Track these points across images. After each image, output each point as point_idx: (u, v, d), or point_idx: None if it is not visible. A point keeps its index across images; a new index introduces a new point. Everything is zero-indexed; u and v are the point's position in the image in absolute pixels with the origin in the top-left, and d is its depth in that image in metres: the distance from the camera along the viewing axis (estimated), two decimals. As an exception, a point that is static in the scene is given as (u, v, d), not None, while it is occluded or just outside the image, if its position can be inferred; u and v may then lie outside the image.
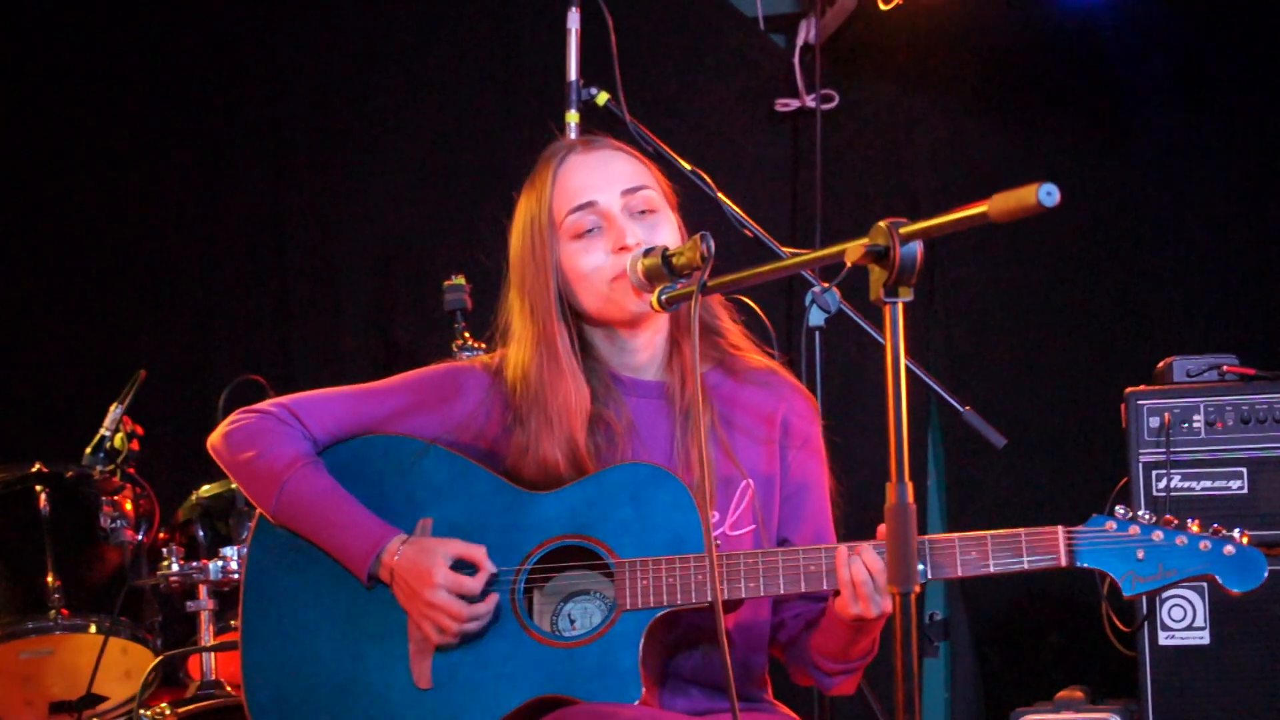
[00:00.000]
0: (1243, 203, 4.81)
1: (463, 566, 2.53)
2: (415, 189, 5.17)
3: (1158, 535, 2.35)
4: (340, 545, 2.58)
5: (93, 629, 3.95)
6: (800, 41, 5.09)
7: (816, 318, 3.32)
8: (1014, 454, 4.37)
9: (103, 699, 4.01)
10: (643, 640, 2.46)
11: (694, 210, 2.81)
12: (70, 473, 4.02)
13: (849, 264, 2.07)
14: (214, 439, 2.70)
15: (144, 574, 4.02)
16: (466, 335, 4.25)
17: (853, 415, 4.69)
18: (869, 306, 2.20)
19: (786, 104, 5.10)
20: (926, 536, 2.38)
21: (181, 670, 4.13)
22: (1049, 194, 1.83)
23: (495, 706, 2.49)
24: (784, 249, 3.73)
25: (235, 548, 3.74)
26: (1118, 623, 3.76)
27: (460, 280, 4.30)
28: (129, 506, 4.02)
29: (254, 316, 5.15)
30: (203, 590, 3.78)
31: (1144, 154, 4.90)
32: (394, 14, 5.20)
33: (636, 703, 2.44)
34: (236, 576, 3.68)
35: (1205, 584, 3.12)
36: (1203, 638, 3.73)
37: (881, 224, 2.01)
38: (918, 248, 2.00)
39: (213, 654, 3.81)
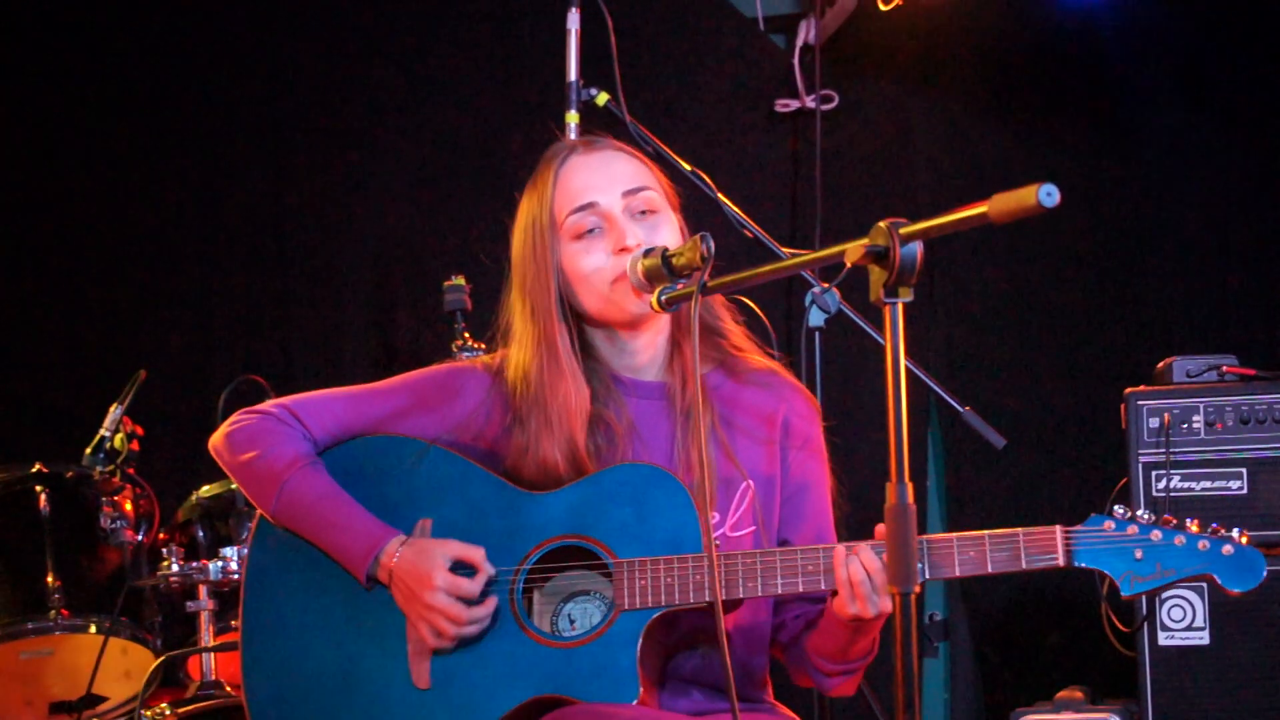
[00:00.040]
0: (1243, 203, 4.81)
1: (461, 568, 2.53)
2: (415, 189, 5.17)
3: (1156, 535, 2.34)
4: (339, 546, 2.59)
5: (93, 629, 3.95)
6: (800, 42, 5.09)
7: (816, 318, 3.32)
8: (1014, 454, 4.38)
9: (103, 699, 4.01)
10: (641, 640, 2.46)
11: (694, 211, 2.81)
12: (70, 473, 4.02)
13: (849, 264, 2.07)
14: (215, 440, 2.71)
15: (144, 574, 4.02)
16: (466, 335, 4.24)
17: (853, 416, 4.69)
18: (869, 307, 2.20)
19: (786, 104, 5.10)
20: (924, 536, 2.38)
21: (181, 671, 4.13)
22: (1049, 194, 1.83)
23: (493, 706, 2.49)
24: (784, 249, 3.73)
25: (235, 548, 3.74)
26: (1117, 623, 3.76)
27: (460, 280, 4.30)
28: (129, 507, 4.01)
29: (254, 316, 5.15)
30: (203, 590, 3.78)
31: (1144, 154, 4.91)
32: (394, 14, 5.20)
33: (634, 703, 2.44)
34: (236, 577, 3.68)
35: (1205, 584, 3.12)
36: (1202, 638, 3.74)
37: (881, 224, 2.01)
38: (918, 248, 2.00)
39: (213, 654, 3.81)
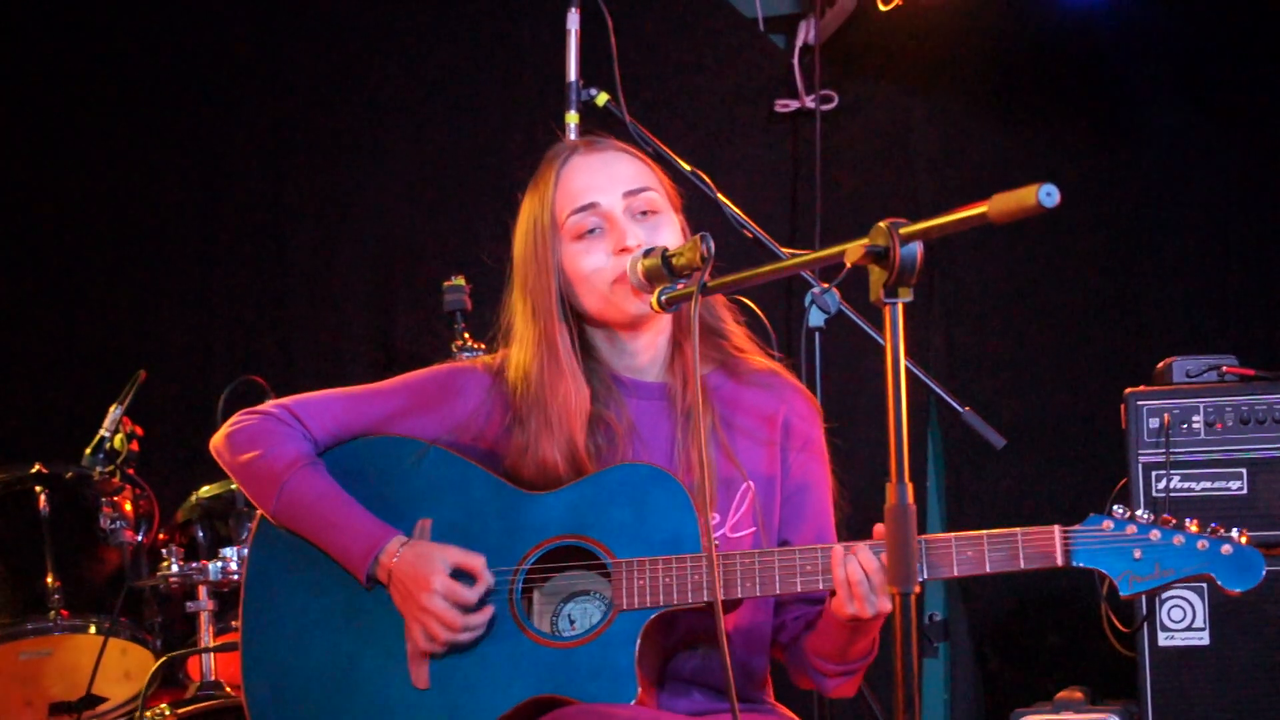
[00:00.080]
0: (1243, 203, 4.81)
1: (461, 576, 2.53)
2: (415, 189, 5.17)
3: (1155, 535, 2.34)
4: (339, 546, 2.59)
5: (92, 630, 3.95)
6: (800, 42, 5.09)
7: (816, 318, 3.32)
8: (1014, 455, 4.37)
9: (102, 700, 4.01)
10: (639, 640, 2.46)
11: (694, 211, 2.81)
12: (70, 473, 4.02)
13: (849, 264, 2.07)
14: (216, 440, 2.71)
15: (144, 575, 4.02)
16: (466, 336, 4.24)
17: (852, 416, 4.69)
18: (869, 307, 2.20)
19: (786, 105, 5.10)
20: (923, 536, 2.37)
21: (181, 671, 4.13)
22: (1049, 195, 1.83)
23: (492, 706, 2.49)
24: (784, 250, 3.73)
25: (235, 548, 3.74)
26: (1117, 623, 3.76)
27: (460, 281, 4.30)
28: (129, 507, 4.02)
29: (254, 316, 5.15)
30: (202, 591, 3.78)
31: (1144, 154, 4.90)
32: (394, 14, 5.20)
33: (633, 702, 2.44)
34: (236, 577, 3.68)
35: (1204, 584, 3.12)
36: (1202, 638, 3.73)
37: (881, 224, 2.01)
38: (918, 248, 2.00)
39: (212, 654, 3.81)
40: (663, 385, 2.69)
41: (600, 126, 3.70)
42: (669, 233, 2.65)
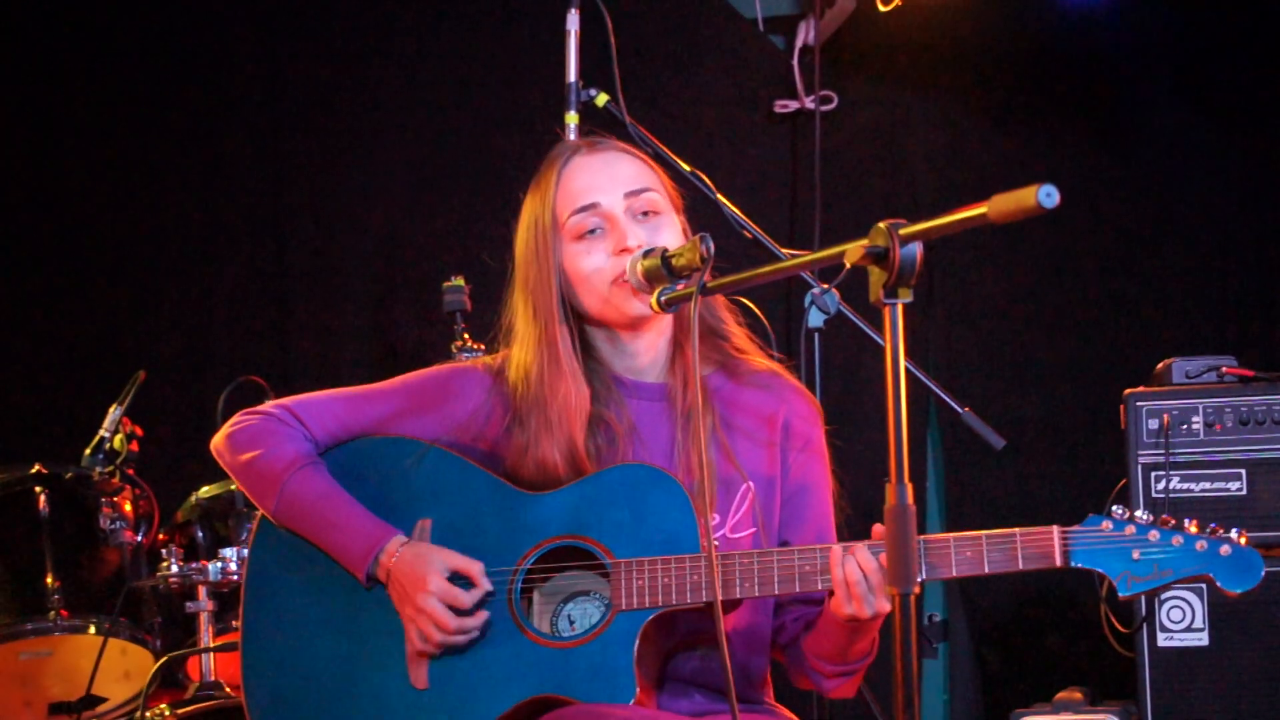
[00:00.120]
0: (1243, 203, 4.82)
1: (459, 580, 2.54)
2: (415, 189, 5.17)
3: (1154, 535, 2.34)
4: (339, 546, 2.59)
5: (92, 630, 3.94)
6: (799, 43, 5.09)
7: (816, 319, 3.32)
8: (1013, 455, 4.38)
9: (102, 700, 4.01)
10: (638, 640, 2.46)
11: (693, 211, 2.81)
12: (70, 474, 4.02)
13: (848, 265, 2.06)
14: (216, 440, 2.71)
15: (143, 575, 4.02)
16: (466, 336, 4.24)
17: (852, 416, 4.69)
18: (868, 308, 2.19)
19: (786, 105, 5.10)
20: (922, 536, 2.37)
21: (181, 671, 4.13)
22: (1048, 195, 1.83)
23: (491, 706, 2.49)
24: (783, 250, 3.73)
25: (234, 549, 3.74)
26: (1117, 624, 3.76)
27: (460, 281, 4.30)
28: (128, 507, 4.01)
29: (254, 316, 5.15)
30: (202, 591, 3.78)
31: (1144, 154, 4.91)
32: (394, 14, 5.20)
33: (631, 703, 2.44)
34: (236, 578, 3.68)
35: (1204, 585, 3.12)
36: (1202, 639, 3.74)
37: (881, 225, 2.01)
38: (917, 249, 2.00)
39: (212, 655, 3.80)
40: (663, 386, 2.69)
41: (600, 127, 3.70)
42: (670, 233, 2.65)
